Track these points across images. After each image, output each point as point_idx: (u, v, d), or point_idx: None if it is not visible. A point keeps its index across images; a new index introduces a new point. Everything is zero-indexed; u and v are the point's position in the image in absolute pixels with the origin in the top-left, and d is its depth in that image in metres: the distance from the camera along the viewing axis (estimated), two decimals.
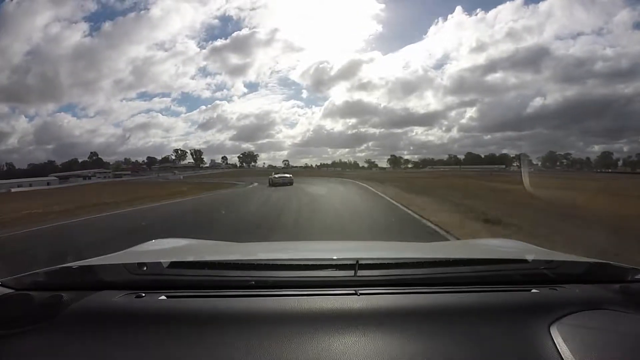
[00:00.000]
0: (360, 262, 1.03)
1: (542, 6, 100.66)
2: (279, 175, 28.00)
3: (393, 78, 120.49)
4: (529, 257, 1.20)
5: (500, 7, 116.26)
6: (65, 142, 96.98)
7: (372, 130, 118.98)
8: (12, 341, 0.78)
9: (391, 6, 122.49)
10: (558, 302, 0.92)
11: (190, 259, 1.35)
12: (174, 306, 0.91)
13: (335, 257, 1.21)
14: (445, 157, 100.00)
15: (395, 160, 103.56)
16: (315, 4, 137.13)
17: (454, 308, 0.89)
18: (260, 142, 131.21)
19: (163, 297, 0.93)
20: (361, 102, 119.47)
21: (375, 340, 0.77)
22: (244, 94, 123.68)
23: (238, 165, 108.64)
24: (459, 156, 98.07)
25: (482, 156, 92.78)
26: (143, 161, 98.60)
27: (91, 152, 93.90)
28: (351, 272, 1.02)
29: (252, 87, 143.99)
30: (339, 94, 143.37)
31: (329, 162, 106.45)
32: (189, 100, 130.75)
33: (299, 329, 0.79)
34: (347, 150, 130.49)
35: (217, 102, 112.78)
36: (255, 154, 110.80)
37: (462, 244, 2.17)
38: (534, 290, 0.99)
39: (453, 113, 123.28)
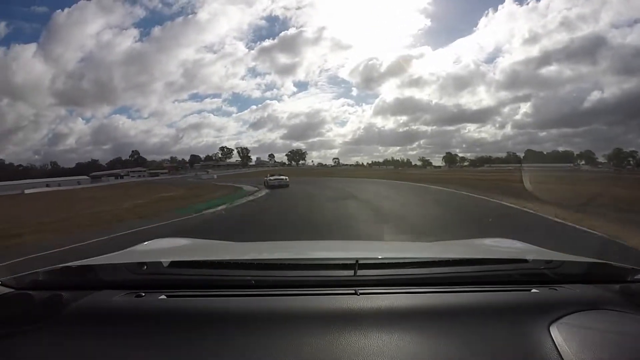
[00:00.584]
0: (360, 262, 1.03)
1: None
2: (274, 177, 25.81)
3: (444, 73, 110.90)
4: (529, 257, 1.19)
5: None
6: (121, 142, 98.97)
7: (423, 128, 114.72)
8: (12, 340, 0.78)
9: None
10: (558, 302, 0.92)
11: (190, 258, 1.33)
12: (173, 306, 0.90)
13: (335, 257, 1.24)
14: (501, 154, 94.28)
15: (450, 158, 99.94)
16: (362, 0, 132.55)
17: (453, 308, 0.89)
18: (311, 140, 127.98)
19: (163, 297, 0.92)
20: (412, 99, 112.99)
21: (375, 340, 0.76)
22: (294, 93, 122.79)
23: (286, 164, 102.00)
24: (517, 154, 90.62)
25: (545, 153, 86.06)
26: (186, 160, 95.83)
27: (133, 151, 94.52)
28: (351, 272, 1.01)
29: (301, 86, 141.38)
30: (389, 91, 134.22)
31: (381, 160, 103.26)
32: (240, 101, 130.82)
33: (299, 328, 0.79)
34: (398, 148, 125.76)
35: (268, 101, 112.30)
36: (303, 151, 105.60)
37: (462, 244, 2.01)
38: (533, 290, 0.99)
39: (506, 109, 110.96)
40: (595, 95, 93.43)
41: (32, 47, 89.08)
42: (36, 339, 0.78)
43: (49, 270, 1.02)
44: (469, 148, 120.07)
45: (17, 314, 0.84)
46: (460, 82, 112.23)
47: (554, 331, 0.79)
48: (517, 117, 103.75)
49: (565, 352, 0.72)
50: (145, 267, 1.03)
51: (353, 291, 0.92)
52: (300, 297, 0.91)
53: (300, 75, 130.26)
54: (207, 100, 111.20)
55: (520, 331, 0.80)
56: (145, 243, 1.63)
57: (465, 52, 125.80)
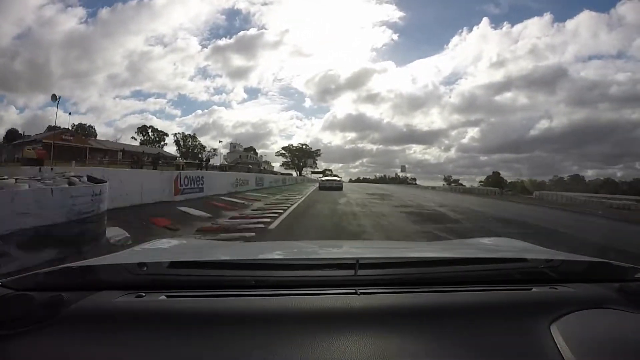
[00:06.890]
0: (360, 261, 1.02)
1: (568, 25, 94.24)
2: (327, 178, 27.90)
3: (400, 92, 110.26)
4: (529, 256, 1.19)
5: (527, 21, 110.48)
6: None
7: (369, 146, 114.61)
8: (12, 342, 0.77)
9: (411, 14, 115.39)
10: (558, 301, 0.92)
11: (191, 258, 1.32)
12: (174, 306, 0.90)
13: (335, 257, 1.25)
14: (439, 175, 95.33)
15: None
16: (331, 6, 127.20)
17: (454, 307, 0.88)
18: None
19: (163, 297, 0.91)
20: (364, 117, 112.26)
21: (376, 340, 0.76)
22: (244, 101, 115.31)
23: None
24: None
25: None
26: None
27: None
28: (351, 272, 1.00)
29: (252, 93, 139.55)
30: (343, 106, 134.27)
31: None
32: (186, 103, 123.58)
33: (299, 328, 0.79)
34: (340, 165, 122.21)
35: (215, 107, 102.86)
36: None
37: (463, 244, 2.03)
38: (534, 290, 0.99)
39: (455, 132, 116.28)
40: (543, 124, 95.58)
41: None
42: (36, 340, 0.78)
43: (49, 272, 1.00)
44: (411, 169, 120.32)
45: (17, 315, 0.83)
46: (416, 102, 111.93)
47: (555, 330, 0.79)
48: (464, 140, 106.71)
49: (566, 351, 0.73)
50: (146, 267, 1.02)
51: (353, 291, 0.92)
52: (301, 297, 0.90)
53: (253, 81, 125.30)
54: (151, 99, 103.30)
55: (520, 331, 0.80)
56: (146, 243, 1.63)
57: (427, 71, 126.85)
